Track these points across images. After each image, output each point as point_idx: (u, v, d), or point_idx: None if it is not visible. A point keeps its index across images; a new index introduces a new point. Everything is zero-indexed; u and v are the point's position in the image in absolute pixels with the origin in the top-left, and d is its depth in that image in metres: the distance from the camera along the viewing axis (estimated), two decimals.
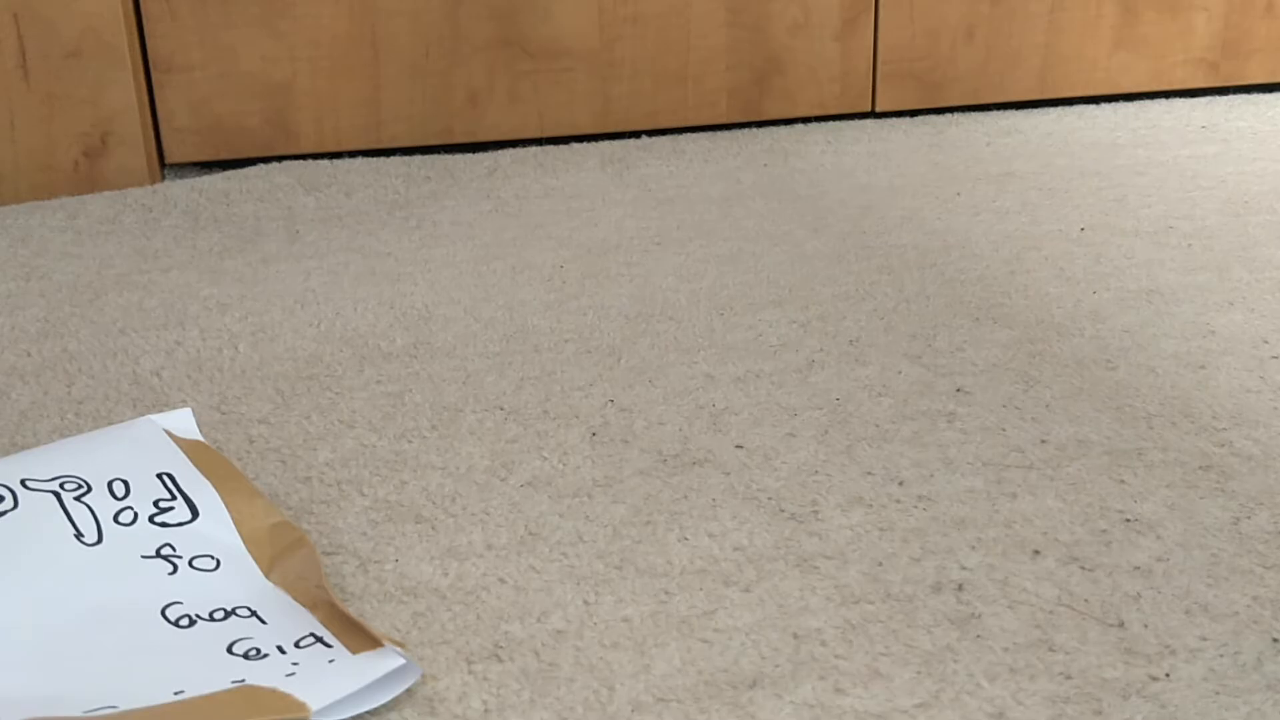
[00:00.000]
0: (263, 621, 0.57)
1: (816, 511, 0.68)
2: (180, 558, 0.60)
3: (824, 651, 0.57)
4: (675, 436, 0.76)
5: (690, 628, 0.59)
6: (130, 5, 1.24)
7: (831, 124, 1.40)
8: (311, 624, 0.57)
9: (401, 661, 0.54)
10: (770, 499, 0.69)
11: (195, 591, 0.58)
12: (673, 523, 0.67)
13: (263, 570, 0.61)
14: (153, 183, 1.26)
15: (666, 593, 0.62)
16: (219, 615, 0.57)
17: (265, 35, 1.28)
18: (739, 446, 0.74)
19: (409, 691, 0.55)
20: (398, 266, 1.03)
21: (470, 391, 0.82)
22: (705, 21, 1.35)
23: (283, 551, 0.62)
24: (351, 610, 0.60)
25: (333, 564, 0.64)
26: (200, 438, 0.71)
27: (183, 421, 0.71)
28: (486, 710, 0.54)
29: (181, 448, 0.68)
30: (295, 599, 0.59)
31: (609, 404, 0.80)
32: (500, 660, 0.57)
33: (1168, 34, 1.43)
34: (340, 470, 0.73)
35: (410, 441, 0.76)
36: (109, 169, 1.25)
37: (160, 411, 0.79)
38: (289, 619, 0.57)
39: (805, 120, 1.40)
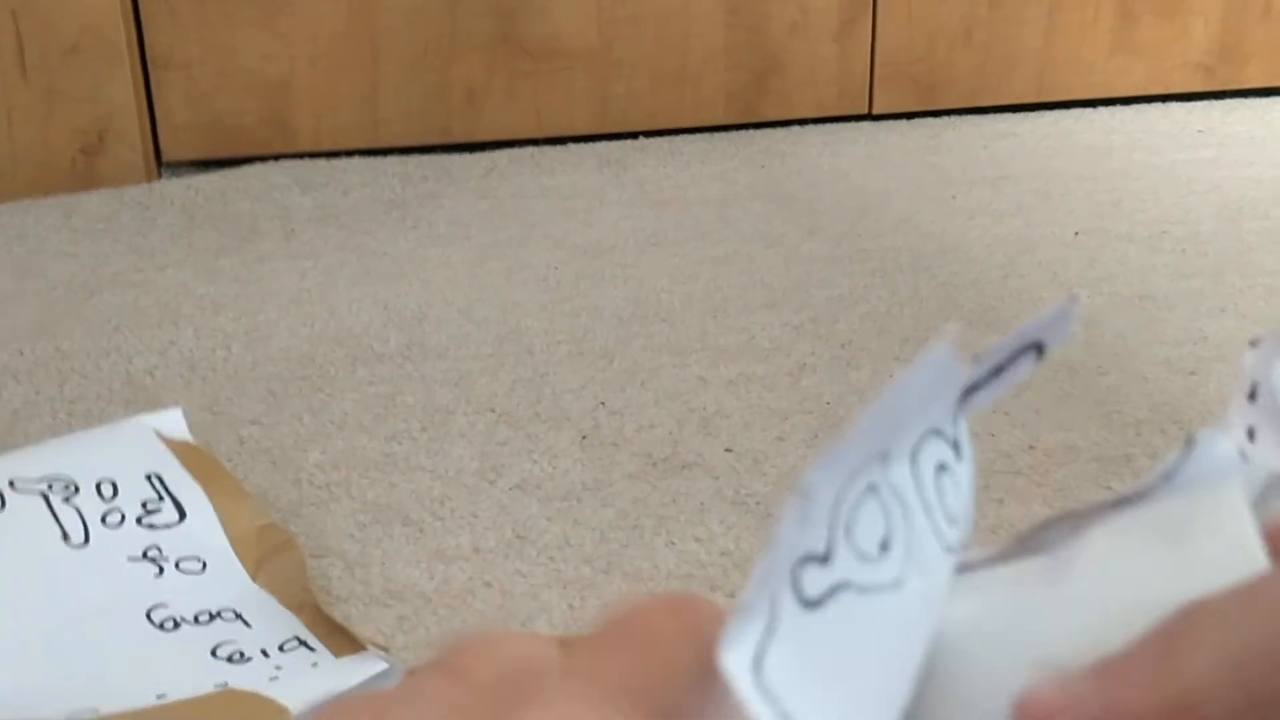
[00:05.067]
0: (247, 625, 0.57)
1: None
2: (167, 560, 0.60)
3: None
4: (665, 440, 0.76)
5: None
6: (129, 2, 1.24)
7: (828, 126, 1.40)
8: (296, 627, 0.57)
9: (384, 665, 0.54)
10: (758, 503, 0.69)
11: (181, 594, 0.59)
12: (660, 527, 0.67)
13: (249, 572, 0.61)
14: (150, 180, 1.26)
15: None
16: (204, 618, 0.57)
17: (263, 33, 1.28)
18: (728, 450, 0.75)
19: None
20: (393, 266, 1.03)
21: (462, 393, 0.82)
22: (704, 22, 1.35)
23: (269, 554, 0.62)
24: (337, 614, 0.60)
25: (320, 566, 0.65)
26: (190, 438, 0.71)
27: (173, 422, 0.71)
28: None
29: (171, 449, 0.68)
30: (280, 602, 0.59)
31: (600, 406, 0.80)
32: None
33: (1165, 38, 1.43)
34: (330, 472, 0.73)
35: (401, 443, 0.76)
36: (106, 166, 1.25)
37: (152, 410, 0.79)
38: (273, 622, 0.58)
39: (802, 122, 1.40)
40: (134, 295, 0.98)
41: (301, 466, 0.74)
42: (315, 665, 0.54)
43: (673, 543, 0.66)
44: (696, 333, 0.90)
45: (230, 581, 0.60)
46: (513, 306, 0.95)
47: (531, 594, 0.62)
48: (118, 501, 0.62)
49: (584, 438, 0.76)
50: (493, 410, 0.80)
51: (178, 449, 0.68)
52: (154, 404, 0.81)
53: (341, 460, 0.74)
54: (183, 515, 0.63)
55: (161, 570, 0.59)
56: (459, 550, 0.66)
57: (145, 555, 0.60)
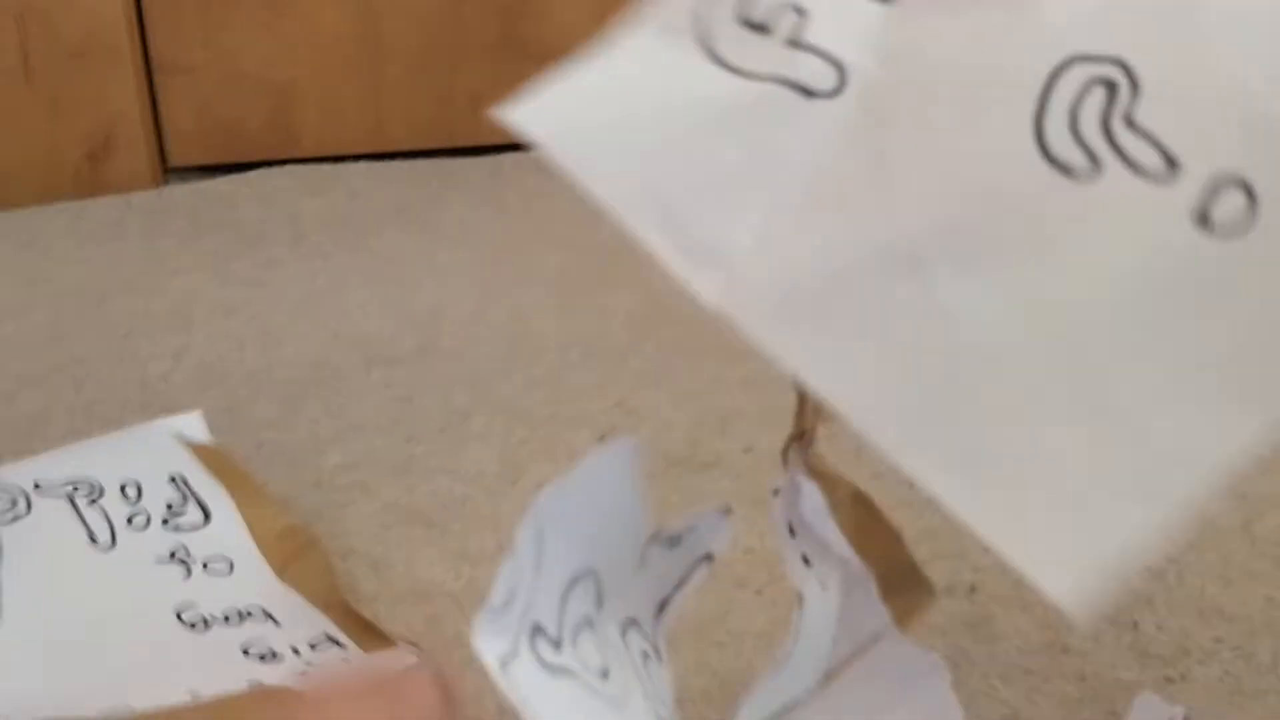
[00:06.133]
0: (277, 624, 0.57)
1: None
2: (194, 561, 0.60)
3: None
4: (683, 440, 0.76)
5: (703, 630, 0.59)
6: (133, 7, 1.24)
7: None
8: (325, 625, 0.57)
9: (415, 661, 0.54)
10: None
11: (209, 594, 0.59)
12: None
13: (275, 572, 0.61)
14: (156, 186, 1.26)
15: None
16: (234, 618, 0.57)
17: (268, 37, 1.28)
18: (748, 450, 0.74)
19: None
20: (403, 270, 1.03)
21: (478, 395, 0.82)
22: None
23: (294, 554, 0.62)
24: (365, 613, 0.60)
25: (344, 567, 0.64)
26: (210, 441, 0.71)
27: (192, 425, 0.71)
28: (502, 712, 0.54)
29: (192, 451, 0.68)
30: (308, 600, 0.59)
31: (616, 407, 0.80)
32: None
33: None
34: (350, 474, 0.73)
35: (419, 445, 0.76)
36: (112, 173, 1.25)
37: (168, 414, 0.79)
38: (302, 620, 0.58)
39: None
40: (145, 301, 0.98)
41: (321, 469, 0.74)
42: (346, 662, 0.54)
43: None
44: (710, 333, 0.89)
45: (257, 581, 0.60)
46: (524, 308, 0.95)
47: None
48: (143, 504, 0.62)
49: (602, 438, 0.76)
50: (509, 411, 0.80)
51: (199, 452, 0.68)
52: (169, 408, 0.81)
53: (361, 462, 0.74)
54: (207, 517, 0.63)
55: (190, 571, 0.59)
56: (484, 550, 0.66)
57: (173, 556, 0.60)
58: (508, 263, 1.04)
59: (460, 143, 1.33)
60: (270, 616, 0.57)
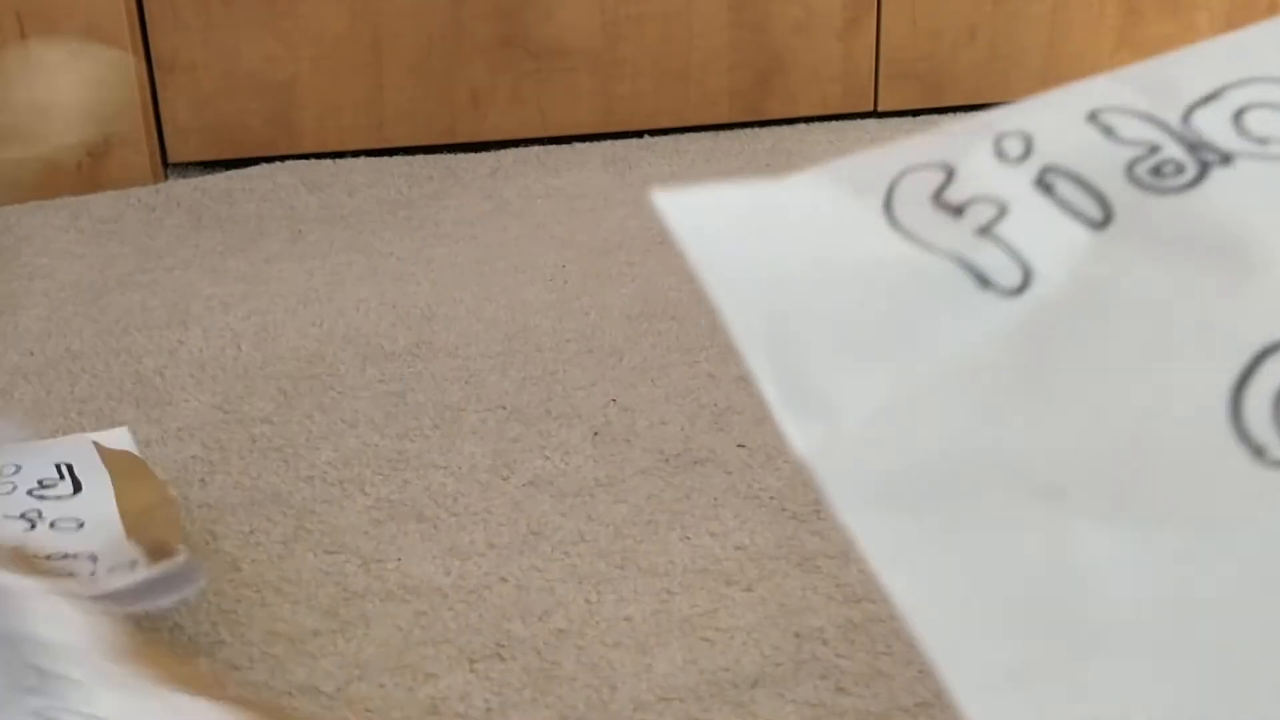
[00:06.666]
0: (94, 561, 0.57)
1: (818, 511, 0.68)
2: (43, 520, 0.59)
3: (825, 650, 0.57)
4: (677, 436, 0.76)
5: (692, 627, 0.59)
6: (133, 4, 1.24)
7: (834, 124, 1.40)
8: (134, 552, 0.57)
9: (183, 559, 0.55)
10: (772, 498, 0.69)
11: (43, 541, 0.58)
12: (674, 522, 0.67)
13: (125, 531, 0.60)
14: (155, 182, 1.26)
15: (668, 592, 0.62)
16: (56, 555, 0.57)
17: (268, 34, 1.28)
18: (741, 446, 0.75)
19: (410, 691, 0.55)
20: (400, 266, 1.03)
21: (472, 391, 0.82)
22: (707, 21, 1.35)
23: (149, 514, 0.61)
24: (353, 609, 0.60)
25: (335, 563, 0.65)
26: (134, 452, 0.70)
27: (119, 438, 0.71)
28: (489, 709, 0.55)
29: (100, 452, 0.67)
30: (138, 544, 0.59)
31: (611, 403, 0.80)
32: (502, 659, 0.57)
33: (1170, 34, 1.43)
34: (343, 469, 0.73)
35: (413, 441, 0.76)
36: (112, 168, 1.25)
37: (163, 408, 0.80)
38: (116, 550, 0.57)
39: (807, 120, 1.40)
40: (142, 296, 0.98)
41: (314, 464, 0.74)
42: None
43: (687, 538, 0.66)
44: (705, 330, 0.90)
45: (102, 536, 0.59)
46: (521, 305, 0.95)
47: (548, 589, 0.62)
48: (14, 478, 0.62)
49: (595, 434, 0.76)
50: (504, 407, 0.80)
51: (107, 453, 0.67)
52: (164, 402, 0.81)
53: (354, 458, 0.74)
54: (77, 489, 0.62)
55: (33, 526, 0.59)
56: (474, 546, 0.66)
57: (22, 516, 0.59)
58: (505, 260, 1.04)
59: (460, 139, 1.33)
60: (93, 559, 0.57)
